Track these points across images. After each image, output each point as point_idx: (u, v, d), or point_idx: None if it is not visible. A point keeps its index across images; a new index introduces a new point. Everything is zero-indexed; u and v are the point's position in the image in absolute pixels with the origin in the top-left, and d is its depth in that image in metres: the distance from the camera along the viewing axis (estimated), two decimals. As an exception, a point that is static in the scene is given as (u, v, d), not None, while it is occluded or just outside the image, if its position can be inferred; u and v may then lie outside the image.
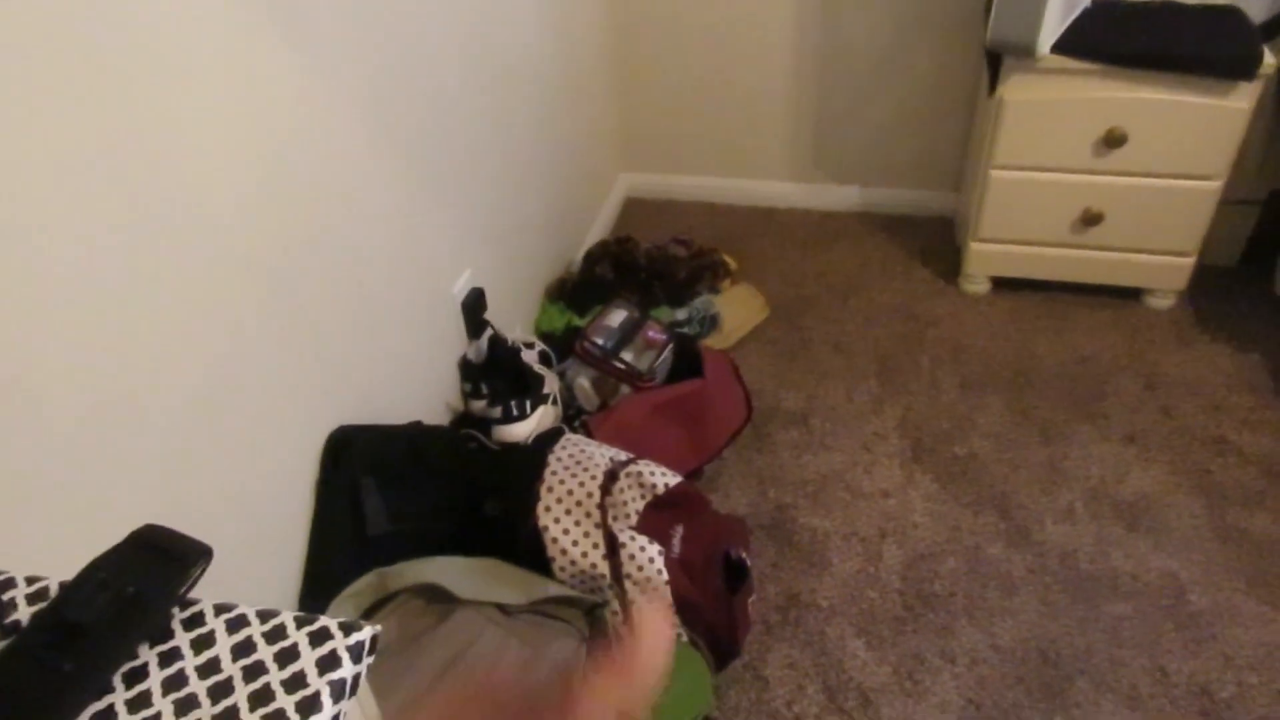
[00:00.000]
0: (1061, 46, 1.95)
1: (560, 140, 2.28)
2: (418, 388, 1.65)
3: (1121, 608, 1.59)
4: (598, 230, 2.63)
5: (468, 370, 1.78)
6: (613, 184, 2.80)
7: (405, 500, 1.42)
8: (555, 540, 1.39)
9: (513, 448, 1.64)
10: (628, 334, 1.86)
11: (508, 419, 1.69)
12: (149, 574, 0.70)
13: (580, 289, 2.24)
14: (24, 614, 0.69)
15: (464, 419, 1.76)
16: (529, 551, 1.41)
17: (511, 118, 1.95)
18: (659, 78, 2.66)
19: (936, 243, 2.55)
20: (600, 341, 1.84)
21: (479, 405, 1.74)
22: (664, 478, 1.48)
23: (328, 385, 1.35)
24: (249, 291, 1.16)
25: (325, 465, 1.34)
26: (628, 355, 1.82)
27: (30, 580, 0.71)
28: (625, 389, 1.83)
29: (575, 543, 1.39)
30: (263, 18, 1.13)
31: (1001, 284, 2.35)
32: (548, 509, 1.42)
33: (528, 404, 1.71)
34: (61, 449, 0.89)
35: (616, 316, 1.90)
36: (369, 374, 1.47)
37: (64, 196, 0.87)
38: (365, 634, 0.67)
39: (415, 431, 1.51)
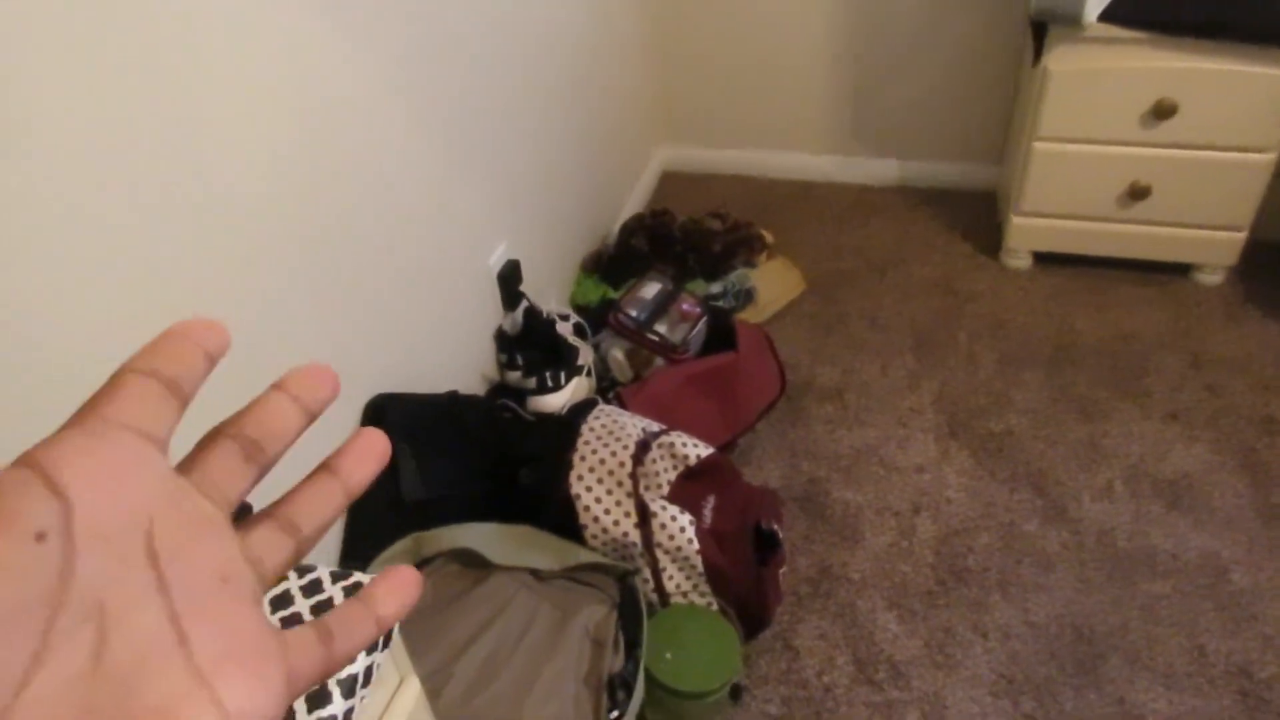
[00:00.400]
0: (1110, 15, 1.90)
1: (597, 113, 2.27)
2: (454, 358, 1.67)
3: (1159, 586, 1.57)
4: (634, 203, 2.63)
5: (503, 341, 1.80)
6: (649, 157, 2.79)
7: (441, 467, 1.45)
8: (587, 508, 1.41)
9: (546, 418, 1.66)
10: (662, 306, 1.87)
11: (542, 390, 1.71)
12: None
13: (616, 262, 2.24)
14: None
15: (499, 389, 1.78)
16: (561, 519, 1.43)
17: (548, 90, 1.95)
18: (697, 50, 2.64)
19: (977, 217, 2.51)
20: (634, 314, 1.84)
21: (514, 376, 1.76)
22: (696, 449, 1.49)
23: (366, 353, 1.38)
24: (286, 260, 1.18)
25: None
26: (661, 327, 1.83)
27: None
28: (659, 361, 1.84)
29: (607, 511, 1.40)
30: (302, -11, 1.15)
31: (1043, 259, 2.31)
32: (580, 478, 1.43)
33: (562, 375, 1.73)
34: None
35: (651, 289, 1.90)
36: (406, 343, 1.50)
37: (96, 165, 0.90)
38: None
39: (451, 400, 1.54)
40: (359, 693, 0.63)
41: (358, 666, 0.64)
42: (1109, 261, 2.25)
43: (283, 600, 0.68)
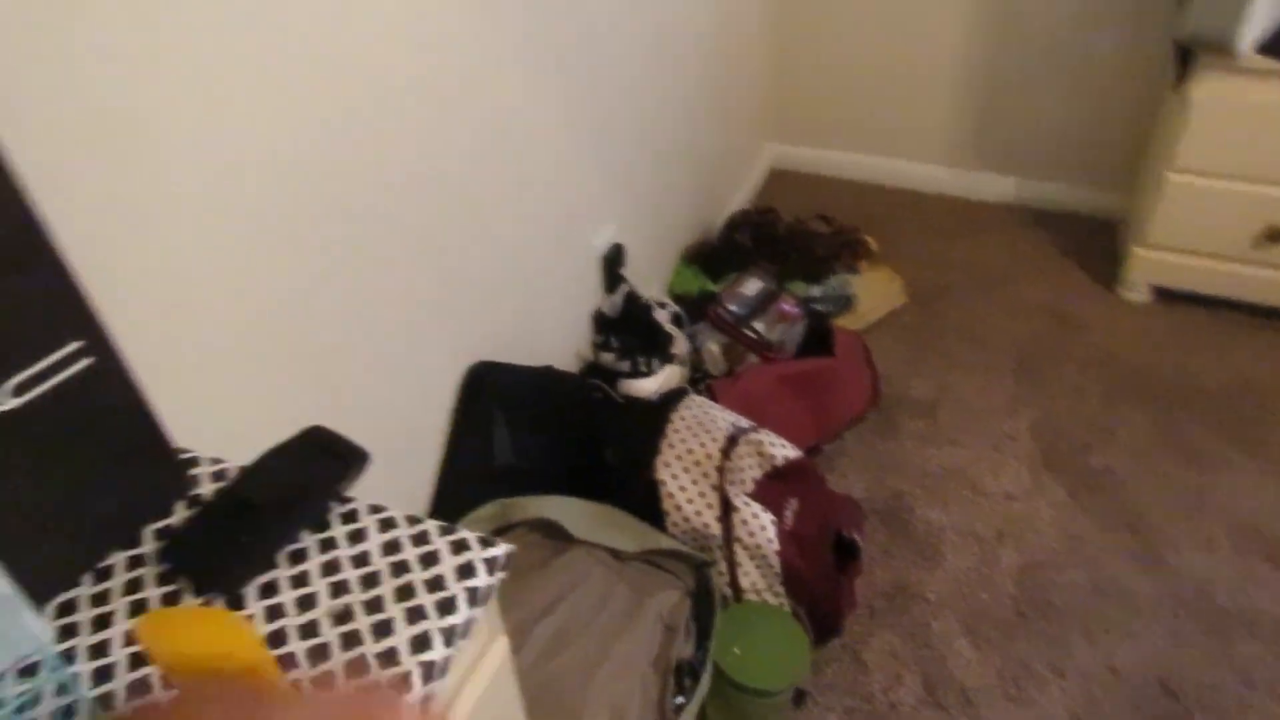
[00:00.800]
0: (1268, 48, 1.79)
1: (712, 104, 2.27)
2: (551, 333, 1.70)
3: (1258, 649, 1.49)
4: (740, 198, 2.62)
5: (601, 323, 1.82)
6: (759, 153, 2.77)
7: (531, 438, 1.48)
8: (671, 495, 1.42)
9: (637, 401, 1.67)
10: (761, 304, 1.86)
11: (635, 374, 1.73)
12: (315, 469, 0.77)
13: (717, 255, 2.24)
14: (207, 490, 0.77)
15: (592, 369, 1.81)
16: (643, 503, 1.45)
17: (667, 76, 1.95)
18: (818, 47, 2.60)
19: (1096, 244, 2.42)
20: (733, 309, 1.84)
21: (608, 357, 1.78)
22: (783, 450, 1.48)
23: (468, 318, 1.42)
24: (401, 219, 1.22)
25: (463, 396, 1.41)
26: (759, 325, 1.82)
27: (214, 461, 0.79)
28: (753, 358, 1.83)
29: (690, 500, 1.41)
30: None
31: (1164, 295, 2.21)
32: (666, 464, 1.44)
33: (656, 361, 1.74)
34: (240, 358, 0.98)
35: (752, 286, 1.90)
36: (508, 313, 1.53)
37: (217, 111, 0.94)
38: (500, 550, 0.71)
39: (547, 375, 1.57)
40: (457, 642, 0.66)
41: (459, 618, 0.66)
42: (1235, 304, 2.14)
43: (392, 546, 0.71)
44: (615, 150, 1.78)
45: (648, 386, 1.72)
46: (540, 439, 1.49)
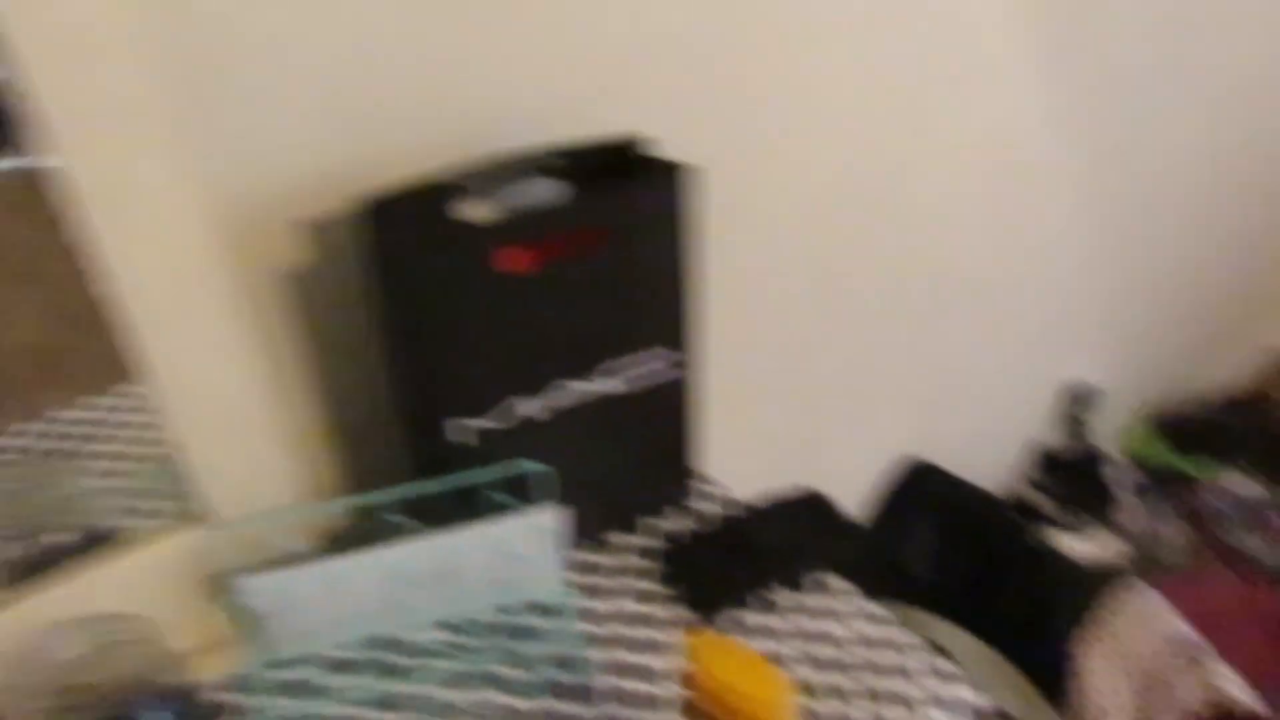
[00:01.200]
0: None
1: (1242, 251, 1.91)
2: (985, 454, 1.59)
3: None
4: (1236, 372, 2.24)
5: (1045, 460, 1.67)
6: (1276, 321, 2.33)
7: (945, 554, 1.40)
8: (1081, 677, 1.26)
9: (1066, 558, 1.51)
10: (1252, 511, 1.58)
11: (1069, 527, 1.56)
12: (808, 530, 0.78)
13: (1193, 427, 1.94)
14: (697, 506, 0.82)
15: (1017, 506, 1.67)
16: (1037, 667, 1.30)
17: (1206, 213, 1.69)
18: None
19: None
20: (1218, 505, 1.58)
21: (1040, 499, 1.63)
22: (1239, 691, 1.23)
23: (900, 406, 1.36)
24: (887, 290, 1.20)
25: (898, 488, 1.38)
26: (1245, 536, 1.55)
27: (721, 489, 0.84)
28: (1220, 567, 1.56)
29: (1102, 694, 1.24)
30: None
31: None
32: (1087, 643, 1.28)
33: (1096, 523, 1.56)
34: (733, 397, 1.04)
35: (1244, 485, 1.62)
36: (948, 420, 1.45)
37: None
38: (988, 703, 0.66)
39: (983, 496, 1.47)
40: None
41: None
42: None
43: (863, 641, 0.70)
44: (1113, 280, 1.60)
45: (1080, 546, 1.54)
46: (954, 558, 1.41)
